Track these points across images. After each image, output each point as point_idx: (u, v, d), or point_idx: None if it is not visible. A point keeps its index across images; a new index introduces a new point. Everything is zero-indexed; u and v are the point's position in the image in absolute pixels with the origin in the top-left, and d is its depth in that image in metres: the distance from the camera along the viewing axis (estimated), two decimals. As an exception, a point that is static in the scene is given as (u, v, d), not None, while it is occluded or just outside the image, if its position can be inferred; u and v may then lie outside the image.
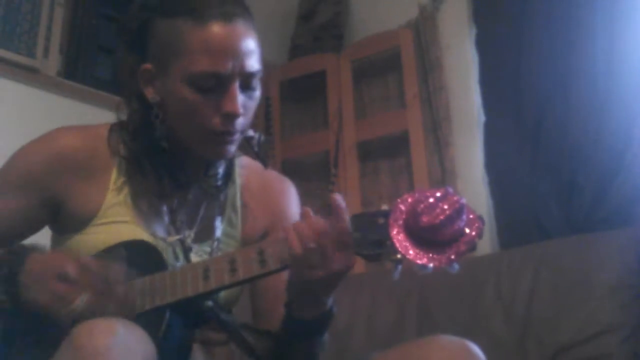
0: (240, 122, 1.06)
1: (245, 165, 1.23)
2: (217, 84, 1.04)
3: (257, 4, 1.25)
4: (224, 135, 1.07)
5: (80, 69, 2.73)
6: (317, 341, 1.08)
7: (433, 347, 0.98)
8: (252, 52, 1.06)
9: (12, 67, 2.40)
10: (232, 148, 1.11)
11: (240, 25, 1.04)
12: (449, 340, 0.99)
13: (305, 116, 2.96)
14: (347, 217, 0.96)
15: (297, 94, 2.99)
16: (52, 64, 2.56)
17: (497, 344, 1.72)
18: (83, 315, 0.92)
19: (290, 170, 2.77)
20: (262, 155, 1.14)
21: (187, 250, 1.12)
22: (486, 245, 2.35)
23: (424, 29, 2.64)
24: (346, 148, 2.69)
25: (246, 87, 1.07)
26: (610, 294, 1.66)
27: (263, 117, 2.90)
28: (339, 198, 0.96)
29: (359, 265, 2.53)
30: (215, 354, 1.15)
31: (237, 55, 1.03)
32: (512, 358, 1.71)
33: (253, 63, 1.06)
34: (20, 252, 1.01)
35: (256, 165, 1.22)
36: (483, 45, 2.51)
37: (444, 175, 2.45)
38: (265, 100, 2.92)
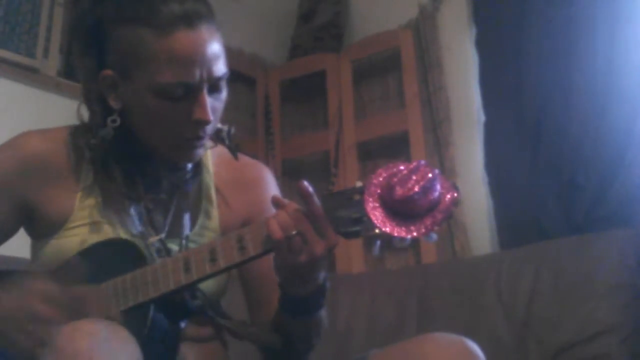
0: (210, 126, 1.06)
1: (219, 155, 1.21)
2: (185, 92, 1.02)
3: (257, 4, 1.25)
4: (194, 140, 1.07)
5: (80, 69, 2.73)
6: (315, 316, 1.09)
7: (431, 345, 0.98)
8: (218, 56, 1.04)
9: (12, 67, 2.40)
10: (202, 151, 1.11)
11: (205, 30, 1.03)
12: (447, 337, 0.99)
13: (305, 116, 2.97)
14: (317, 201, 0.96)
15: (297, 94, 2.99)
16: (52, 64, 2.56)
17: (497, 344, 1.72)
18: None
19: (290, 170, 2.77)
20: (232, 147, 1.13)
21: (162, 247, 1.11)
22: (486, 245, 2.35)
23: (424, 29, 2.64)
24: (346, 148, 2.69)
25: (214, 90, 1.06)
26: (610, 294, 1.66)
27: (263, 117, 2.90)
28: (305, 185, 0.96)
29: (359, 265, 2.53)
30: (206, 348, 1.15)
31: (204, 62, 1.02)
32: (512, 358, 1.71)
33: (220, 67, 1.05)
34: None
35: (229, 154, 1.20)
36: (483, 45, 2.51)
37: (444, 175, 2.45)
38: (265, 100, 2.92)
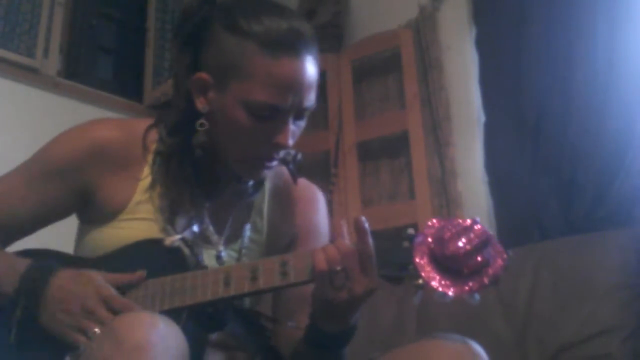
0: (285, 150, 1.08)
1: (275, 172, 1.22)
2: (272, 115, 1.04)
3: (257, 4, 1.25)
4: (267, 160, 1.08)
5: (80, 69, 2.73)
6: (337, 354, 1.08)
7: (435, 347, 0.98)
8: (312, 87, 1.06)
9: (12, 67, 2.41)
10: (270, 172, 1.12)
11: (309, 61, 1.04)
12: (451, 339, 0.99)
13: (305, 116, 2.96)
14: (370, 240, 0.96)
15: (297, 94, 2.98)
16: (52, 64, 2.56)
17: (497, 344, 1.72)
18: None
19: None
20: (294, 171, 1.14)
21: (215, 255, 1.11)
22: (486, 245, 2.34)
23: (424, 29, 2.64)
24: (346, 148, 2.69)
25: (298, 117, 1.08)
26: (610, 294, 1.66)
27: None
28: (361, 221, 0.96)
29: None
30: (235, 357, 1.14)
31: (299, 91, 1.03)
32: (512, 358, 1.71)
33: (311, 97, 1.07)
34: (45, 269, 1.00)
35: (287, 171, 1.21)
36: (483, 45, 2.51)
37: (444, 175, 2.45)
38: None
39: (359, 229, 0.96)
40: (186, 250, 1.07)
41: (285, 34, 1.02)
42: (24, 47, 2.45)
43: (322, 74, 2.82)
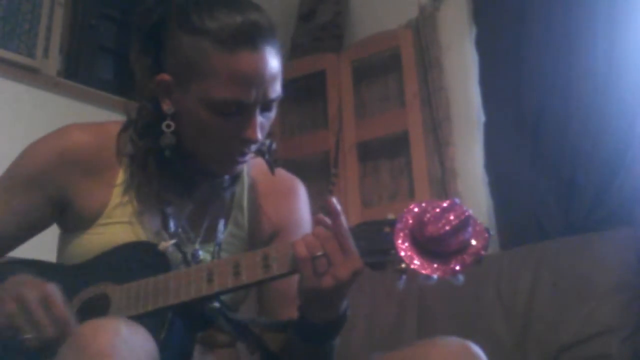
0: (256, 144, 1.07)
1: (254, 165, 1.22)
2: (237, 110, 1.03)
3: (257, 4, 1.25)
4: (239, 156, 1.08)
5: (80, 69, 2.73)
6: (328, 345, 1.07)
7: (435, 349, 0.97)
8: (276, 78, 1.05)
9: (12, 67, 2.41)
10: (243, 166, 1.12)
11: (267, 51, 1.03)
12: (451, 341, 0.99)
13: (305, 116, 2.96)
14: (344, 220, 0.95)
15: (297, 94, 2.98)
16: (52, 64, 2.56)
17: (497, 344, 1.72)
18: (34, 349, 0.90)
19: (290, 170, 2.77)
20: (271, 161, 1.13)
21: (191, 253, 1.11)
22: (486, 245, 2.34)
23: (424, 29, 2.64)
24: (346, 148, 2.69)
25: (265, 109, 1.07)
26: (610, 294, 1.66)
27: (263, 117, 2.90)
28: (332, 202, 0.95)
29: (359, 265, 2.53)
30: (221, 355, 1.14)
31: (261, 83, 1.03)
32: (512, 358, 1.71)
33: (276, 88, 1.05)
34: (4, 271, 0.99)
35: (265, 164, 1.21)
36: (483, 45, 2.51)
37: (444, 175, 2.45)
38: (265, 100, 2.91)
39: (330, 211, 0.95)
40: (164, 251, 1.06)
41: (240, 28, 1.01)
42: (24, 47, 2.45)
43: (322, 74, 2.85)
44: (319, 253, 0.94)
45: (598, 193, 2.08)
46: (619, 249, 1.72)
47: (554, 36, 2.28)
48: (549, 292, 1.73)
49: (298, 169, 2.80)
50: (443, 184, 2.44)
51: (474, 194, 2.40)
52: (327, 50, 2.86)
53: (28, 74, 2.43)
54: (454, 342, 0.98)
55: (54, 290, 0.94)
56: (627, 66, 2.12)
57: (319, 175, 2.75)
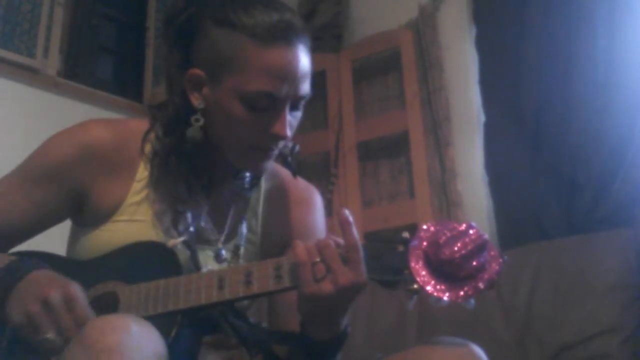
0: (283, 141, 1.07)
1: (272, 172, 1.21)
2: (268, 104, 1.03)
3: (257, 4, 1.24)
4: (266, 151, 1.08)
5: (80, 69, 2.73)
6: None
7: (437, 351, 0.97)
8: (307, 76, 1.06)
9: (12, 67, 2.41)
10: (268, 165, 1.11)
11: (301, 49, 1.04)
12: (454, 344, 0.98)
13: (305, 116, 2.95)
14: (354, 232, 0.95)
15: (297, 94, 2.98)
16: (52, 64, 2.56)
17: (497, 344, 1.72)
18: (54, 349, 0.90)
19: (290, 170, 2.77)
20: (293, 165, 1.13)
21: (215, 252, 1.11)
22: (486, 245, 2.34)
23: (424, 29, 2.64)
24: (346, 148, 2.69)
25: (294, 108, 1.08)
26: (610, 294, 1.66)
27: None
28: (345, 213, 0.96)
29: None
30: (226, 356, 1.14)
31: (294, 79, 1.03)
32: (512, 358, 1.71)
33: (306, 87, 1.07)
34: (23, 266, 0.98)
35: (284, 171, 1.21)
36: (483, 45, 2.51)
37: (444, 175, 2.45)
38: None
39: (342, 222, 0.95)
40: (186, 253, 1.06)
41: (276, 24, 1.02)
42: (24, 47, 2.45)
43: (322, 74, 2.84)
44: (318, 259, 0.94)
45: (598, 193, 2.08)
46: (619, 249, 1.72)
47: (554, 36, 2.28)
48: (549, 292, 1.73)
49: (298, 169, 2.81)
50: (443, 184, 2.44)
51: (474, 194, 2.40)
52: (327, 50, 2.86)
53: (28, 74, 2.43)
54: (457, 344, 0.98)
55: (77, 291, 0.94)
56: (627, 66, 2.12)
57: (319, 175, 2.75)
